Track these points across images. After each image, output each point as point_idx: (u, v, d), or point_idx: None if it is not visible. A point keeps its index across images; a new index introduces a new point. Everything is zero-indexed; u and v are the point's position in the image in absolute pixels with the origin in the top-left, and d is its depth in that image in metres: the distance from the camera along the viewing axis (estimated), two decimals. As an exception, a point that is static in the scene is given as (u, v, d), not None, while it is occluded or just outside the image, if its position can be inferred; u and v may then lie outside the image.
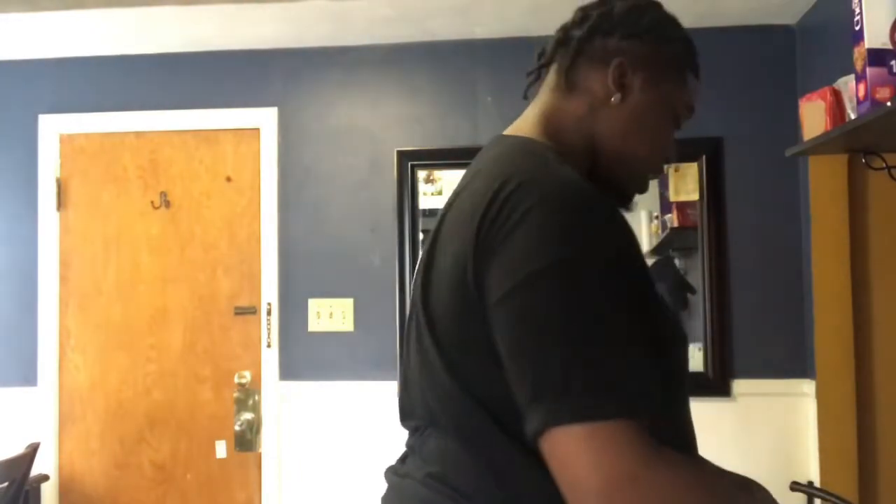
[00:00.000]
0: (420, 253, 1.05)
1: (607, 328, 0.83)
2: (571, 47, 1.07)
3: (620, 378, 0.82)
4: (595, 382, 0.81)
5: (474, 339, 0.91)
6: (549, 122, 1.07)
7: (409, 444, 1.08)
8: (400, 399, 1.10)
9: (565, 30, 1.11)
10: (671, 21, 1.09)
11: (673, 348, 0.98)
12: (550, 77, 1.11)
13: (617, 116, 1.05)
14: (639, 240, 1.04)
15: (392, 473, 1.09)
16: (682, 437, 1.02)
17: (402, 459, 1.09)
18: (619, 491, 0.80)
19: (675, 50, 1.08)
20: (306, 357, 3.09)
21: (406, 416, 1.08)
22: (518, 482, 0.91)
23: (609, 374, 0.82)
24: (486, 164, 1.02)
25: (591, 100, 1.05)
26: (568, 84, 1.07)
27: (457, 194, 1.04)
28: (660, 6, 1.10)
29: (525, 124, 1.09)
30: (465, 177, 1.07)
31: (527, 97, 1.15)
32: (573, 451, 0.81)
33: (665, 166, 1.16)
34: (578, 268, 0.85)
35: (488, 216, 0.90)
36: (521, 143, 1.04)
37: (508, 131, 1.11)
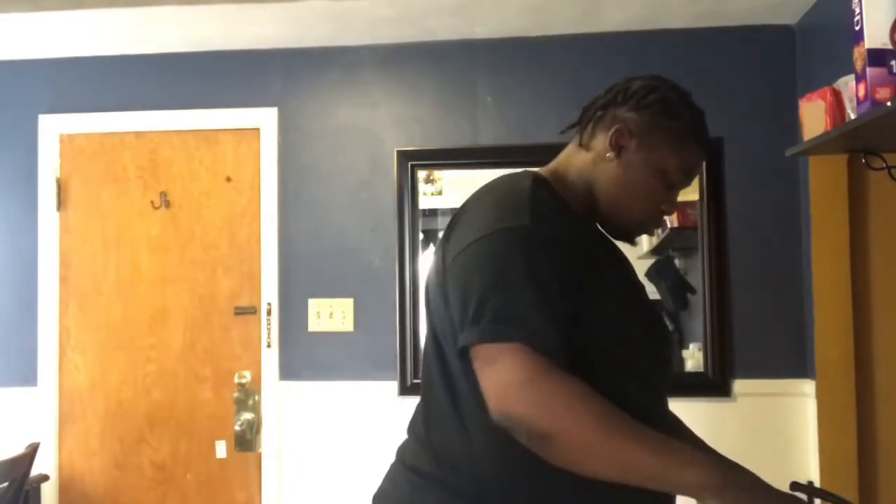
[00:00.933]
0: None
1: (519, 277, 1.11)
2: (591, 114, 1.35)
3: (522, 313, 1.09)
4: (502, 315, 1.09)
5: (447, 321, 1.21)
6: (561, 165, 1.36)
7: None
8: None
9: (596, 100, 1.37)
10: (679, 99, 1.32)
11: (624, 334, 1.22)
12: (576, 135, 1.39)
13: (612, 171, 1.30)
14: (614, 252, 1.33)
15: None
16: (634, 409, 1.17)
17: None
18: (513, 393, 1.06)
19: (675, 123, 1.29)
20: (306, 357, 3.09)
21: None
22: (449, 428, 1.21)
23: (513, 309, 1.10)
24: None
25: (594, 155, 1.32)
26: (583, 141, 1.35)
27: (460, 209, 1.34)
28: (673, 86, 1.33)
29: (547, 166, 1.38)
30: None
31: (562, 132, 1.43)
32: (481, 365, 1.11)
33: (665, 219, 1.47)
34: (507, 236, 1.15)
35: (459, 217, 1.26)
36: (517, 172, 1.32)
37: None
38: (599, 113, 1.33)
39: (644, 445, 1.07)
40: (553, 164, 1.37)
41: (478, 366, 1.11)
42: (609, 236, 1.36)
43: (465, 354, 1.13)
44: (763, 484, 1.10)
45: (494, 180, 1.30)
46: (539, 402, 1.06)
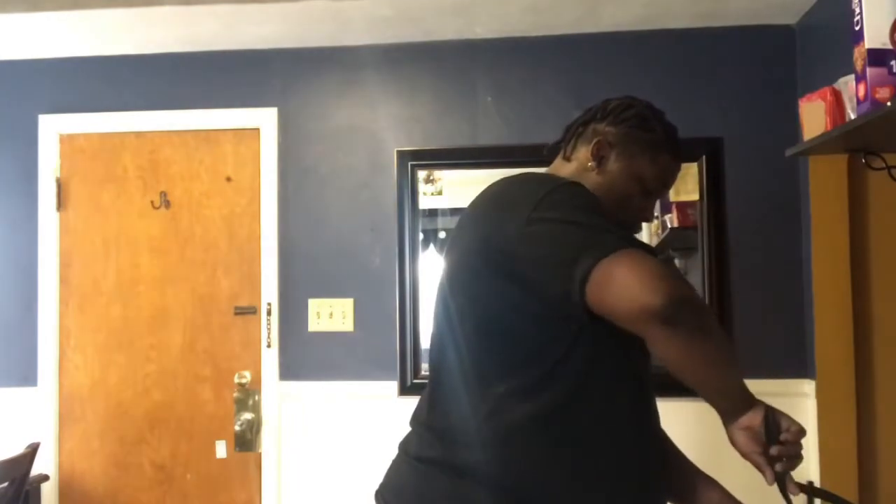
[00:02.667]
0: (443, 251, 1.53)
1: (596, 218, 1.25)
2: (573, 130, 1.50)
3: (618, 236, 1.21)
4: (606, 239, 1.19)
5: (487, 304, 1.31)
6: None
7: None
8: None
9: (576, 119, 1.51)
10: (653, 115, 1.46)
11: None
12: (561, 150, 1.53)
13: (594, 180, 1.44)
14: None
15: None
16: (640, 401, 1.37)
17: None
18: (646, 274, 1.14)
19: (650, 135, 1.44)
20: (306, 357, 3.09)
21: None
22: (471, 413, 1.29)
23: (612, 234, 1.20)
24: (493, 187, 1.40)
25: (578, 166, 1.47)
26: (566, 154, 1.50)
27: (467, 211, 1.42)
28: (647, 105, 1.48)
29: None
30: (476, 199, 1.45)
31: (544, 153, 1.57)
32: (610, 272, 1.16)
33: (644, 224, 1.60)
34: (559, 198, 1.26)
35: (501, 206, 1.33)
36: (525, 173, 1.43)
37: None
38: (581, 129, 1.48)
39: (732, 352, 1.29)
40: (546, 172, 1.50)
41: (604, 279, 1.16)
42: None
43: (582, 284, 1.19)
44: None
45: (506, 181, 1.39)
46: (676, 283, 1.15)
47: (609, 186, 1.43)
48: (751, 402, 1.26)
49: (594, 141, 1.44)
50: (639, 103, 1.47)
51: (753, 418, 1.24)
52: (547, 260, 1.22)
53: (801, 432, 1.22)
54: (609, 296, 1.15)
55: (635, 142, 1.43)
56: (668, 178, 1.47)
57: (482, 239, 1.30)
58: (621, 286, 1.14)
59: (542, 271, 1.22)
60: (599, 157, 1.43)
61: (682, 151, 1.48)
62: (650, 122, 1.44)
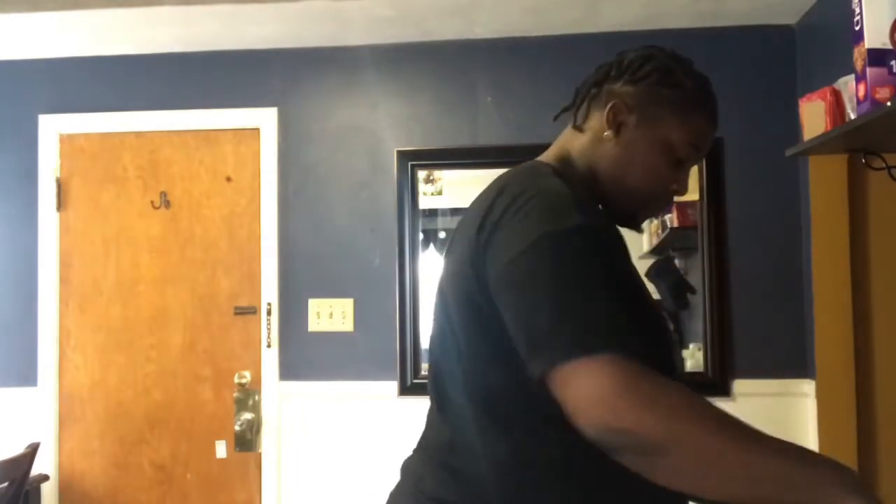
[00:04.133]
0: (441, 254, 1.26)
1: (590, 283, 0.97)
2: (583, 92, 1.26)
3: (606, 322, 0.94)
4: (583, 326, 0.94)
5: (476, 330, 1.09)
6: (562, 152, 1.25)
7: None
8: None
9: (587, 79, 1.27)
10: (678, 66, 1.21)
11: (654, 340, 1.09)
12: (571, 118, 1.28)
13: (613, 151, 1.20)
14: (626, 241, 1.15)
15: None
16: None
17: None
18: (617, 403, 0.89)
19: (676, 92, 1.18)
20: (306, 357, 3.09)
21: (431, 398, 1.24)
22: (488, 451, 1.07)
23: (595, 319, 0.94)
24: (493, 182, 1.18)
25: (592, 136, 1.22)
26: (578, 123, 1.25)
27: (468, 210, 1.20)
28: (670, 54, 1.22)
29: (547, 152, 1.28)
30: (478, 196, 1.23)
31: (555, 118, 1.33)
32: (573, 383, 0.92)
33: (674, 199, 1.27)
34: (565, 237, 1.00)
35: (489, 216, 1.07)
36: (528, 163, 1.21)
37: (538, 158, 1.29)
38: (593, 91, 1.23)
39: (771, 447, 0.91)
40: (554, 153, 1.26)
41: (563, 385, 0.93)
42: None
43: (540, 378, 0.96)
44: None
45: (508, 175, 1.16)
46: (648, 409, 0.89)
47: (630, 159, 1.19)
48: (853, 475, 0.91)
49: (609, 105, 1.19)
50: (660, 54, 1.22)
51: None
52: (514, 323, 1.00)
53: None
54: (569, 409, 0.93)
55: (659, 102, 1.18)
56: (701, 143, 1.21)
57: (469, 258, 1.09)
58: (584, 399, 0.91)
59: (512, 332, 1.01)
60: (617, 125, 1.18)
61: (716, 104, 1.23)
62: (676, 76, 1.19)
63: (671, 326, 2.97)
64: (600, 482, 1.04)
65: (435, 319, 1.22)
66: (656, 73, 1.19)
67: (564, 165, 1.22)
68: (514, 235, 1.02)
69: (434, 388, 1.20)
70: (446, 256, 1.21)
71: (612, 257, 1.05)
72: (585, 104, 1.24)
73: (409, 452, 1.23)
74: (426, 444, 1.19)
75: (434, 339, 1.22)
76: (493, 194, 1.10)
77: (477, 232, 1.07)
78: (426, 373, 1.27)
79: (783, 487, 0.90)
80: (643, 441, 0.89)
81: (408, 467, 1.20)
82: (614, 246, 1.09)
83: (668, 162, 1.20)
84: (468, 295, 1.08)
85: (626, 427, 0.89)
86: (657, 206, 1.26)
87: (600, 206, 1.23)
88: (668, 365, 1.13)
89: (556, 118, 1.31)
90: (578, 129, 1.24)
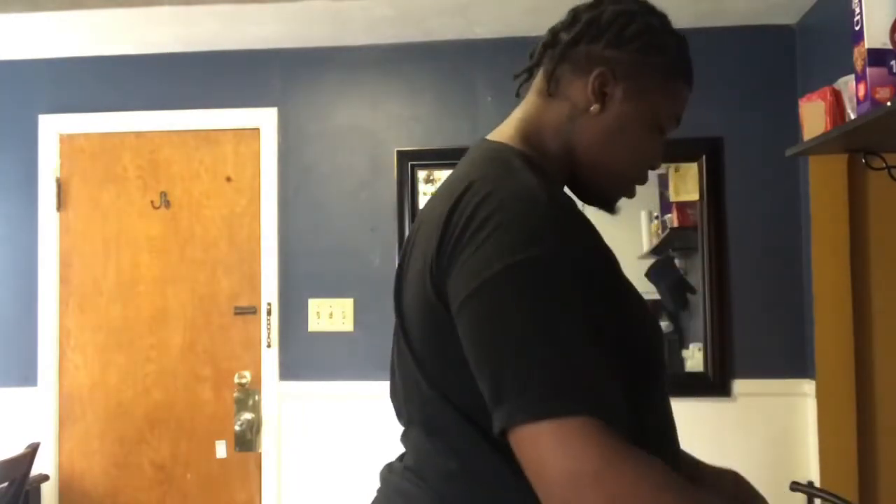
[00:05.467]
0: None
1: (561, 328, 0.85)
2: (557, 52, 1.08)
3: (577, 377, 0.83)
4: (552, 381, 0.82)
5: (440, 342, 0.95)
6: (529, 127, 1.09)
7: (402, 442, 1.11)
8: (392, 400, 1.15)
9: (554, 32, 1.10)
10: (662, 28, 1.08)
11: (649, 339, 1.02)
12: (537, 80, 1.11)
13: (596, 126, 1.06)
14: (601, 236, 1.01)
15: (386, 470, 1.12)
16: (661, 427, 1.03)
17: (400, 458, 1.12)
18: (583, 488, 0.80)
19: (662, 59, 1.06)
20: (306, 357, 3.09)
21: (398, 415, 1.12)
22: (485, 475, 0.95)
23: (566, 372, 0.83)
24: (459, 170, 1.05)
25: (570, 107, 1.06)
26: (550, 89, 1.08)
27: (432, 199, 1.06)
28: (652, 11, 1.09)
29: (507, 128, 1.11)
30: (443, 182, 1.08)
31: (518, 95, 1.16)
32: (535, 448, 0.82)
33: (651, 172, 1.15)
34: (530, 272, 0.86)
35: (450, 224, 0.94)
36: (491, 149, 1.06)
37: (491, 135, 1.12)
38: (567, 51, 1.06)
39: None
40: (520, 124, 1.10)
41: (522, 446, 0.83)
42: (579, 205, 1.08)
43: (501, 434, 0.86)
44: None
45: (476, 165, 1.02)
46: (619, 498, 0.80)
47: (615, 134, 1.05)
48: None
49: (595, 73, 1.04)
50: (641, 10, 1.07)
51: None
52: (475, 364, 0.89)
53: None
54: (530, 473, 0.84)
55: (646, 71, 1.05)
56: (681, 111, 1.11)
57: (429, 267, 0.96)
58: (548, 476, 0.82)
59: (474, 371, 0.90)
60: (602, 95, 1.04)
61: (692, 69, 1.12)
62: (661, 40, 1.06)
63: (669, 326, 2.98)
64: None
65: (394, 346, 1.10)
66: (643, 37, 1.05)
67: (534, 146, 1.07)
68: (479, 258, 0.89)
69: (406, 417, 1.09)
70: (404, 256, 1.08)
71: (589, 282, 0.90)
72: (562, 66, 1.07)
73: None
74: (414, 460, 1.06)
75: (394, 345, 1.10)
76: (458, 191, 0.96)
77: (438, 242, 0.94)
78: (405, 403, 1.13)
79: None
80: None
81: (392, 483, 1.08)
82: (591, 262, 0.93)
83: (654, 137, 1.09)
84: (428, 305, 0.96)
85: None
86: (635, 184, 1.13)
87: (569, 185, 1.11)
88: (658, 367, 1.05)
89: (516, 77, 1.17)
90: (550, 95, 1.08)
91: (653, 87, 1.06)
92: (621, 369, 0.88)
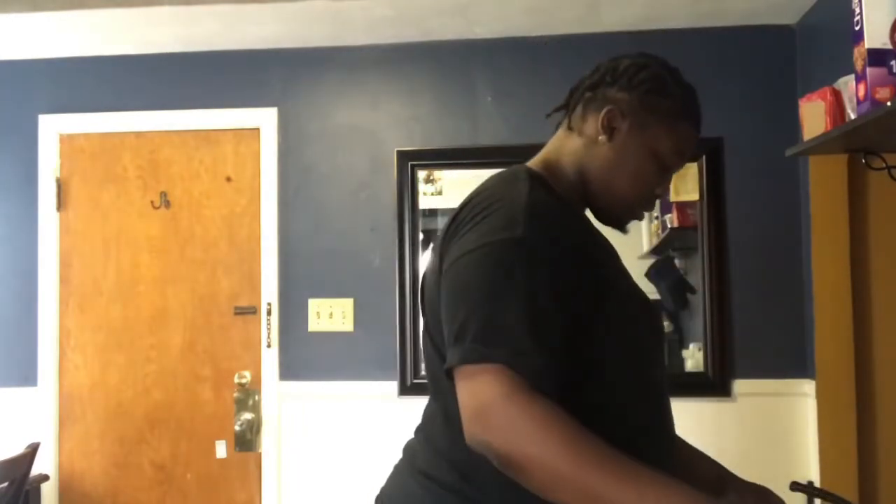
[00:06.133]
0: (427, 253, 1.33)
1: (506, 295, 1.04)
2: (578, 94, 1.30)
3: (506, 333, 1.02)
4: (482, 333, 1.02)
5: (437, 316, 1.15)
6: (551, 156, 1.31)
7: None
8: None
9: (581, 80, 1.32)
10: (670, 77, 1.27)
11: (639, 334, 1.21)
12: (564, 119, 1.33)
13: (604, 156, 1.26)
14: (601, 240, 1.24)
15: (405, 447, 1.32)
16: (646, 400, 1.20)
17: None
18: (484, 416, 0.99)
19: (669, 104, 1.25)
20: (306, 357, 3.09)
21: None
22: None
23: (497, 328, 1.02)
24: (483, 183, 1.25)
25: (586, 140, 1.27)
26: (572, 126, 1.30)
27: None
28: (662, 63, 1.29)
29: (537, 156, 1.33)
30: None
31: (548, 116, 1.37)
32: (460, 385, 1.03)
33: (656, 202, 1.36)
34: (497, 249, 1.07)
35: (456, 220, 1.17)
36: (512, 168, 1.25)
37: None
38: (588, 94, 1.28)
39: (616, 474, 0.96)
40: (544, 153, 1.32)
41: (458, 386, 1.04)
42: (596, 224, 1.31)
43: (450, 373, 1.06)
44: None
45: (490, 180, 1.24)
46: (508, 427, 0.97)
47: (621, 162, 1.25)
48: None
49: (605, 110, 1.24)
50: (654, 63, 1.28)
51: None
52: (444, 318, 1.11)
53: None
54: (459, 409, 1.03)
55: (651, 110, 1.24)
56: (686, 149, 1.29)
57: (440, 259, 1.18)
58: (463, 406, 1.01)
59: (443, 326, 1.12)
60: (611, 129, 1.24)
61: (700, 116, 1.30)
62: (668, 86, 1.26)
63: (669, 326, 2.99)
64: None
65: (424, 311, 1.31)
66: (650, 82, 1.25)
67: (550, 169, 1.27)
68: (464, 240, 1.12)
69: (429, 379, 1.30)
70: (432, 250, 1.29)
71: (549, 267, 1.08)
72: (581, 106, 1.29)
73: None
74: (424, 426, 1.27)
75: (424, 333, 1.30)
76: (469, 197, 1.20)
77: (444, 233, 1.19)
78: (426, 373, 1.30)
79: None
80: (499, 455, 0.98)
81: (408, 445, 1.29)
82: (562, 257, 1.10)
83: (656, 167, 1.27)
84: (437, 286, 1.17)
85: (486, 440, 0.99)
86: (641, 208, 1.32)
87: (588, 207, 1.30)
88: (651, 361, 1.23)
89: (548, 116, 1.36)
90: (574, 130, 1.29)
91: (655, 124, 1.25)
92: (575, 350, 1.07)
